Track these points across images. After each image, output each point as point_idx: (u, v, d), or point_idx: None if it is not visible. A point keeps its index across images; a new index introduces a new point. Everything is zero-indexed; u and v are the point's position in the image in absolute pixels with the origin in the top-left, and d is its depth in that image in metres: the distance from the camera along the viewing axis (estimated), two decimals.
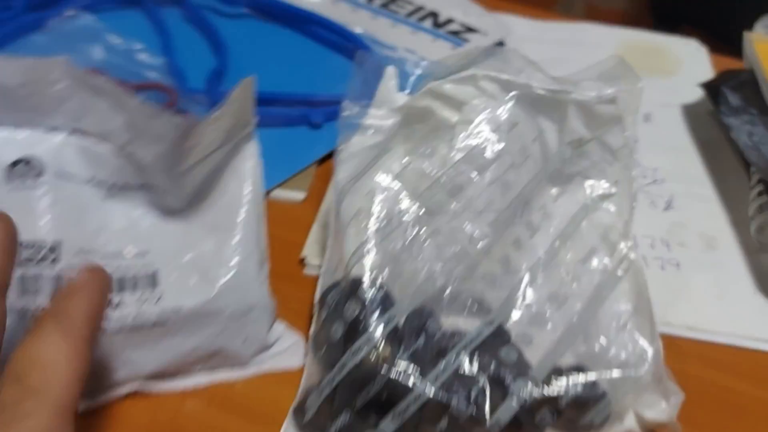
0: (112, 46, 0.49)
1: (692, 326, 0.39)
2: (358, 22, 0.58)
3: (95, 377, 0.32)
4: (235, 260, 0.35)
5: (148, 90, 0.47)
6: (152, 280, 0.33)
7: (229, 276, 0.34)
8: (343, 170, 0.37)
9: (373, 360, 0.32)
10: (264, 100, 0.48)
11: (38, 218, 0.32)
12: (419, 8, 0.61)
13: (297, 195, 0.46)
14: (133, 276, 0.33)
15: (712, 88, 0.52)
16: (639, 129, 0.52)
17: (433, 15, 0.60)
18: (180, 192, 0.35)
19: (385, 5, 0.61)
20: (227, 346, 0.35)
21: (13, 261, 0.27)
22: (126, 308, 0.32)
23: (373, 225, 0.34)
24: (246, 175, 0.37)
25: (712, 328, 0.39)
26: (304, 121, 0.49)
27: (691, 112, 0.55)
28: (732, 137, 0.46)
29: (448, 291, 0.34)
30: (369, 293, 0.33)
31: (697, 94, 0.55)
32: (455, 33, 0.59)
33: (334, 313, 0.34)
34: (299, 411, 0.33)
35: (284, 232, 0.43)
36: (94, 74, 0.33)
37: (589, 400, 0.32)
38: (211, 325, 0.34)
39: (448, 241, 0.34)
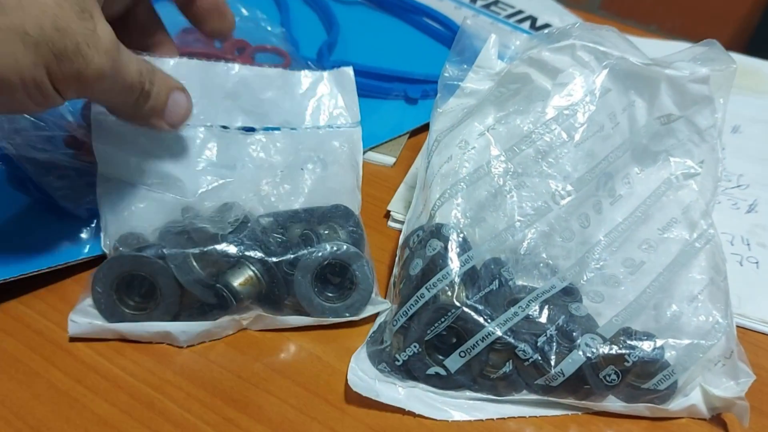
0: (240, 15, 0.52)
1: None
2: (460, 19, 0.59)
3: None
4: None
5: (267, 52, 0.49)
6: None
7: None
8: (438, 123, 0.37)
9: (448, 295, 0.31)
10: (369, 74, 0.50)
11: None
12: (519, 11, 0.61)
13: (388, 159, 0.46)
14: None
15: None
16: (727, 139, 0.50)
17: (532, 18, 0.60)
18: None
19: (487, 6, 0.61)
20: None
21: None
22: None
23: (462, 172, 0.34)
24: None
25: None
26: (403, 96, 0.50)
27: None
28: None
29: (525, 243, 0.33)
30: (452, 233, 0.32)
31: None
32: None
33: (415, 252, 0.34)
34: (374, 340, 0.33)
35: (373, 190, 0.43)
36: None
37: (654, 364, 0.31)
38: None
39: (531, 196, 0.34)
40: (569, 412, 0.31)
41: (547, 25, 0.59)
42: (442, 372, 0.31)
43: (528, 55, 0.36)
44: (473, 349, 0.30)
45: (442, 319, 0.31)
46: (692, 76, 0.35)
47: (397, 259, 0.35)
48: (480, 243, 0.33)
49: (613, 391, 0.31)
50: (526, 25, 0.59)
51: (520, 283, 0.33)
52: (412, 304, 0.32)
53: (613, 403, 0.31)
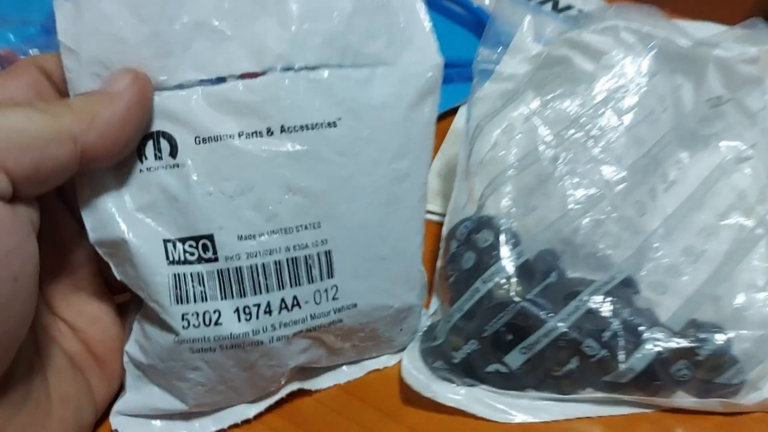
0: None
1: None
2: (478, 0, 0.57)
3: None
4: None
5: None
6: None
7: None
8: (477, 109, 0.35)
9: (505, 289, 0.30)
10: None
11: None
12: None
13: None
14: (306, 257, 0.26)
15: None
16: None
17: (554, 0, 0.59)
18: None
19: None
20: (385, 334, 0.30)
21: None
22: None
23: (509, 159, 0.32)
24: None
25: None
26: None
27: None
28: None
29: (581, 233, 0.32)
30: (503, 224, 0.31)
31: None
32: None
33: (464, 244, 0.32)
34: (427, 337, 0.31)
35: None
36: None
37: (725, 357, 0.29)
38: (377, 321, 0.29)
39: (583, 182, 0.32)
40: (638, 410, 0.30)
41: (569, 7, 0.58)
42: (503, 369, 0.29)
43: (567, 37, 0.35)
44: (535, 345, 0.29)
45: (501, 315, 0.29)
46: (741, 57, 0.34)
47: (441, 252, 0.34)
48: (533, 233, 0.32)
49: (683, 387, 0.30)
50: (548, 6, 0.58)
51: (574, 275, 0.32)
52: (467, 299, 0.30)
53: (683, 399, 0.30)
